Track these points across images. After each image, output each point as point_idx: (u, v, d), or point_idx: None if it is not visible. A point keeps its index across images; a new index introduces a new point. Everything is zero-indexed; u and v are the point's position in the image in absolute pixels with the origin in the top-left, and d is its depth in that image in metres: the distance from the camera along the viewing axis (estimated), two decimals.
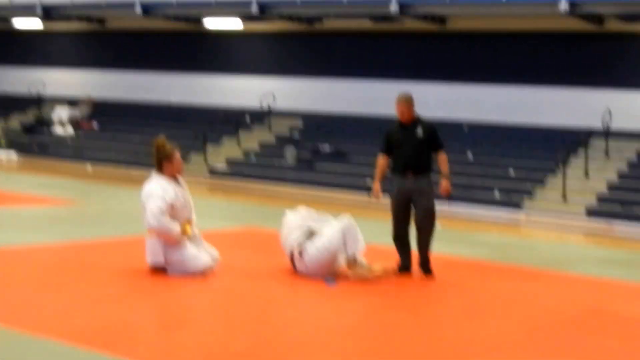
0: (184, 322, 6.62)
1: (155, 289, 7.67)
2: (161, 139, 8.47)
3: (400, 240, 9.02)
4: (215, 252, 8.58)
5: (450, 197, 10.69)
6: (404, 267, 9.03)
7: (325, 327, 6.67)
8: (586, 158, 17.63)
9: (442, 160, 9.06)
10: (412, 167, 8.88)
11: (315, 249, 8.44)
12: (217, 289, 7.89)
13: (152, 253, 8.23)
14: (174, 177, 8.44)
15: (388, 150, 9.13)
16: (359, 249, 8.50)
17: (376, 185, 9.17)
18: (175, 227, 8.15)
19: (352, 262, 8.47)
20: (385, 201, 9.16)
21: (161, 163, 8.37)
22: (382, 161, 9.17)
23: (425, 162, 8.96)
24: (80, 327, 6.13)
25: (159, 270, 8.25)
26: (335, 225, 8.55)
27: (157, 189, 8.23)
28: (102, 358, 5.47)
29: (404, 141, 8.95)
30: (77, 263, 8.64)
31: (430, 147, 8.98)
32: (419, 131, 8.93)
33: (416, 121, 9.02)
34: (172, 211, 8.20)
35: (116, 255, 9.16)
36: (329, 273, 8.46)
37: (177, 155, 8.47)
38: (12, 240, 9.67)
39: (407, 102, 9.03)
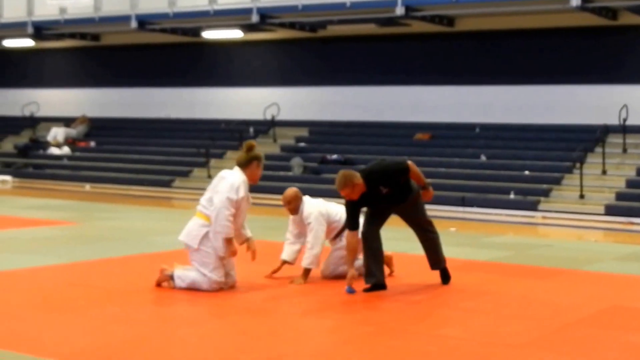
0: (191, 338, 6.23)
1: (160, 306, 7.39)
2: (252, 141, 8.01)
3: (369, 242, 7.94)
4: (233, 275, 8.10)
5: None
6: (376, 283, 7.93)
7: (341, 337, 6.38)
8: (603, 155, 17.18)
9: (413, 175, 7.90)
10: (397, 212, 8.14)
11: None
12: (225, 303, 7.52)
13: (190, 233, 7.81)
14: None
15: (356, 224, 7.83)
16: None
17: (351, 272, 7.88)
18: (231, 247, 7.75)
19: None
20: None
21: (249, 163, 7.87)
22: (353, 241, 7.84)
23: (403, 189, 7.92)
24: (85, 348, 5.86)
25: (166, 279, 7.93)
26: None
27: (239, 183, 7.71)
28: None
29: (376, 206, 7.96)
30: (80, 284, 8.30)
31: (399, 182, 7.87)
32: (382, 189, 7.80)
33: (370, 182, 7.78)
34: (237, 212, 7.73)
35: (119, 275, 8.85)
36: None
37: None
38: (12, 264, 9.31)
39: (347, 186, 7.71)
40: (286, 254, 8.58)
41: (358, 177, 7.70)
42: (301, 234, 8.54)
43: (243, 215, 7.92)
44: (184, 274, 7.86)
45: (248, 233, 8.12)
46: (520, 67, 19.55)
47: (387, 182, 7.82)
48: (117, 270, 9.09)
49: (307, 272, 8.39)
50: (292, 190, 8.50)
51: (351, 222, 7.82)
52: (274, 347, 6.02)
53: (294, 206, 8.48)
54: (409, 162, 7.95)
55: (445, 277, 8.41)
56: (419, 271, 8.80)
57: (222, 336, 6.35)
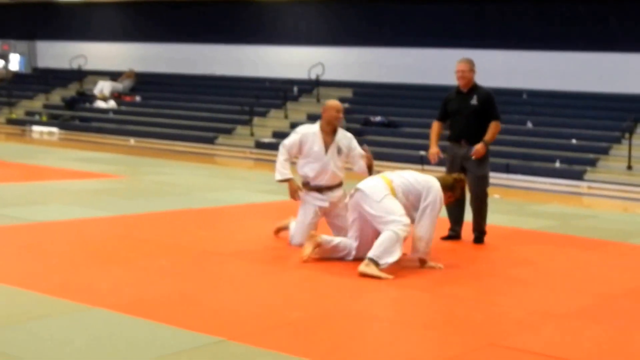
0: (238, 293, 6.33)
1: (208, 260, 7.39)
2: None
3: (452, 207, 8.67)
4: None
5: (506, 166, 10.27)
6: (453, 234, 8.86)
7: (384, 299, 6.39)
8: None
9: (491, 127, 8.72)
10: (466, 136, 8.76)
11: None
12: (271, 260, 7.57)
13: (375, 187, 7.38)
14: None
15: (443, 118, 9.03)
16: None
17: (432, 149, 8.89)
18: None
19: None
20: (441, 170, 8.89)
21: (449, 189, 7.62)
22: (434, 126, 9.05)
23: (480, 131, 8.74)
24: (135, 298, 5.97)
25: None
26: None
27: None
28: (158, 327, 5.28)
29: (459, 109, 8.81)
30: (128, 236, 8.37)
31: (485, 117, 8.74)
32: (474, 100, 8.73)
33: (473, 88, 8.81)
34: None
35: (167, 229, 8.91)
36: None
37: None
38: (61, 215, 9.41)
39: (468, 63, 8.81)
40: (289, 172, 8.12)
41: (474, 70, 8.77)
42: (296, 157, 8.16)
43: None
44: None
45: None
46: (571, 33, 19.30)
47: (482, 98, 8.70)
48: (165, 225, 9.15)
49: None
50: None
51: (439, 114, 9.01)
52: (320, 306, 6.05)
53: (341, 118, 8.14)
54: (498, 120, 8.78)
55: (478, 239, 8.77)
56: (465, 238, 8.81)
57: (269, 293, 6.37)
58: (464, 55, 9.35)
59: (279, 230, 8.43)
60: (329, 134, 8.07)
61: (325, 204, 8.11)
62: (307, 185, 8.11)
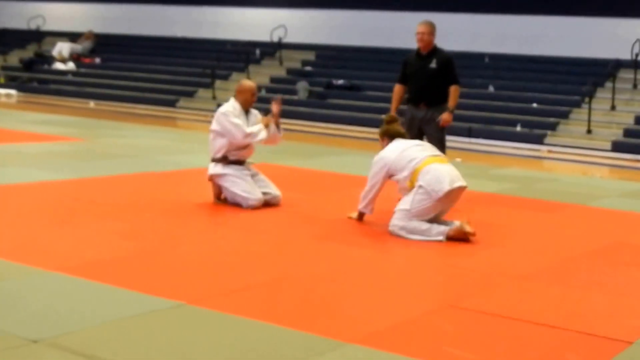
0: (198, 256, 6.29)
1: (167, 224, 7.33)
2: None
3: None
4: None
5: (472, 134, 10.44)
6: None
7: (344, 262, 6.36)
8: (613, 90, 16.96)
9: (451, 92, 8.90)
10: (425, 99, 8.92)
11: None
12: (230, 224, 7.55)
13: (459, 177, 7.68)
14: None
15: (404, 80, 9.11)
16: None
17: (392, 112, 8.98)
18: None
19: None
20: None
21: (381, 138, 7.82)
22: (396, 90, 9.13)
23: (439, 94, 8.91)
24: (92, 261, 5.91)
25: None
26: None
27: None
28: (116, 291, 5.25)
29: (418, 72, 8.94)
30: (87, 199, 8.29)
31: (444, 80, 8.90)
32: (434, 63, 8.88)
33: (433, 51, 8.97)
34: None
35: (126, 192, 8.83)
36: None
37: None
38: (18, 177, 9.30)
39: (428, 25, 8.96)
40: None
41: (434, 34, 8.90)
42: None
43: None
44: None
45: None
46: None
47: (441, 62, 8.86)
48: (124, 188, 9.08)
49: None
50: None
51: (400, 76, 9.12)
52: (278, 268, 6.03)
53: (255, 100, 8.35)
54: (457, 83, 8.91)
55: None
56: None
57: (230, 257, 6.33)
58: (426, 18, 9.35)
59: (219, 195, 8.35)
60: (246, 113, 8.31)
61: (252, 172, 8.32)
62: (226, 160, 8.18)
